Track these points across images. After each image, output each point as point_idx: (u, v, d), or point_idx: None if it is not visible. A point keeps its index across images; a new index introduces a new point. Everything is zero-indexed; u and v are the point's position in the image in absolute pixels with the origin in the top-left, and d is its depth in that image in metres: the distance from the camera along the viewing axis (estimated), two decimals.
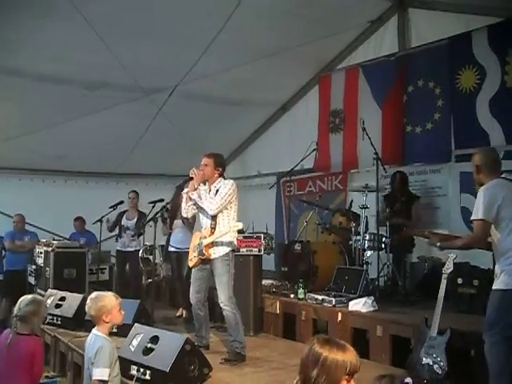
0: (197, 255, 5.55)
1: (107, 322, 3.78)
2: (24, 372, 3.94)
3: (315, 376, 2.28)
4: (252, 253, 6.93)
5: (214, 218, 5.48)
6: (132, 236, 8.56)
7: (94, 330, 3.82)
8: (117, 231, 8.79)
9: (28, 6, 6.71)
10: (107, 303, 3.79)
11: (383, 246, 7.12)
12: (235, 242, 5.62)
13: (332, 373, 2.28)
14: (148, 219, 7.29)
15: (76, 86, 8.40)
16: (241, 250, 6.70)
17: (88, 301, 3.86)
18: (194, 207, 5.67)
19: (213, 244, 5.47)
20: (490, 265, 6.22)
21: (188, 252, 5.89)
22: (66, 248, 8.48)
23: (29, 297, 4.22)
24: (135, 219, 8.65)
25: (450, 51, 7.72)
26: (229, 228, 5.42)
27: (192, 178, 5.52)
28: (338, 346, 2.34)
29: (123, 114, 9.21)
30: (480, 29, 7.31)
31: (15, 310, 4.11)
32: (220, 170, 5.61)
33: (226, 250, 5.48)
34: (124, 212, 8.76)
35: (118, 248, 8.76)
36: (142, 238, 8.23)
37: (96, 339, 3.75)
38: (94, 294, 3.90)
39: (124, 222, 8.70)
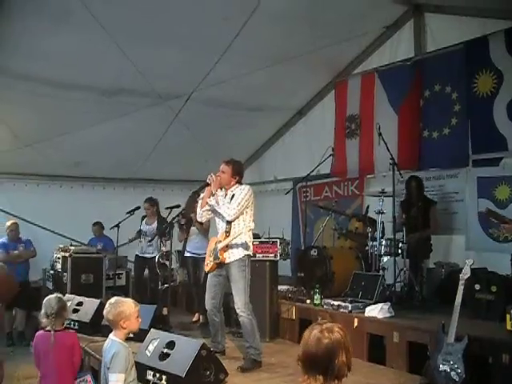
0: (212, 260, 5.58)
1: (124, 328, 3.79)
2: (68, 363, 4.37)
3: (344, 359, 2.35)
4: (268, 258, 6.95)
5: (229, 222, 5.48)
6: (149, 241, 8.50)
7: (110, 335, 3.85)
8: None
9: (45, 13, 6.80)
10: (126, 309, 3.81)
11: (400, 251, 7.08)
12: (250, 245, 5.59)
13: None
14: (165, 225, 7.33)
15: (93, 93, 8.47)
16: (257, 255, 6.72)
17: (107, 305, 3.88)
18: (210, 212, 5.68)
19: (227, 247, 5.47)
20: (508, 271, 6.18)
21: (204, 257, 5.93)
22: (84, 253, 8.55)
23: (53, 296, 4.47)
24: (155, 224, 8.63)
25: (466, 55, 7.66)
26: (241, 229, 5.43)
27: (208, 184, 5.54)
28: (331, 327, 2.44)
29: (140, 120, 9.28)
30: (497, 32, 7.24)
31: (46, 310, 4.33)
32: (237, 178, 5.60)
33: (241, 253, 5.47)
34: (145, 216, 8.79)
35: (137, 253, 8.77)
36: (159, 243, 8.27)
37: (112, 344, 3.77)
38: (113, 299, 3.92)
39: (143, 226, 8.72)
